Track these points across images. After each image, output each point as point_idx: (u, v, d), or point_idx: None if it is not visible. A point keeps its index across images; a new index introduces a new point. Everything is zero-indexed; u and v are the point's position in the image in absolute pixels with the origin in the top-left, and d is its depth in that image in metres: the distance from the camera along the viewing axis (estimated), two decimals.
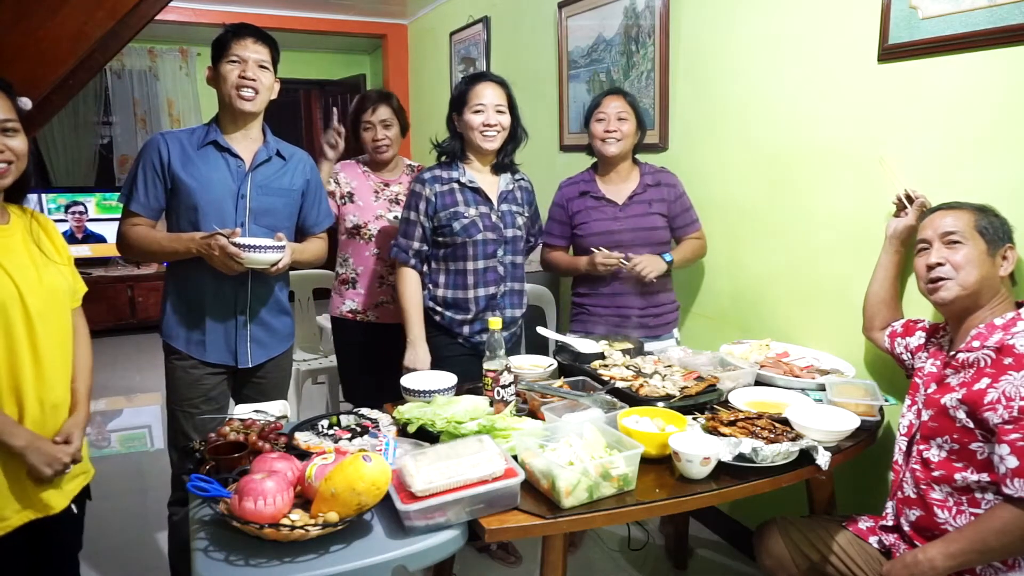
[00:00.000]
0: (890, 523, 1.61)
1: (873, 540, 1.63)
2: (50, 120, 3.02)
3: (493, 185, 2.20)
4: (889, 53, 1.90)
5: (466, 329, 2.19)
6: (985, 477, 1.40)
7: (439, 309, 2.19)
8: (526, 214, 2.28)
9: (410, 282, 2.17)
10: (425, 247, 2.17)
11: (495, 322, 1.71)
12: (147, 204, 1.94)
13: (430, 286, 2.21)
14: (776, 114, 2.29)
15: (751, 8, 2.35)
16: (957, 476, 1.44)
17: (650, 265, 2.26)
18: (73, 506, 1.59)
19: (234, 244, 1.83)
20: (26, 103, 1.51)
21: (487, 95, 2.10)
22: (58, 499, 1.54)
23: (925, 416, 1.52)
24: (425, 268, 2.23)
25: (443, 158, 2.21)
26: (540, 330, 2.26)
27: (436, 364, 1.95)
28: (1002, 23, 1.64)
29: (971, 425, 1.41)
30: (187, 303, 2.00)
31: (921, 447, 1.52)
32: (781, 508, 2.08)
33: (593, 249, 2.33)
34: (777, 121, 2.29)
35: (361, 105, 2.61)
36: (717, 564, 2.52)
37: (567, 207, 2.44)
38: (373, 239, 2.58)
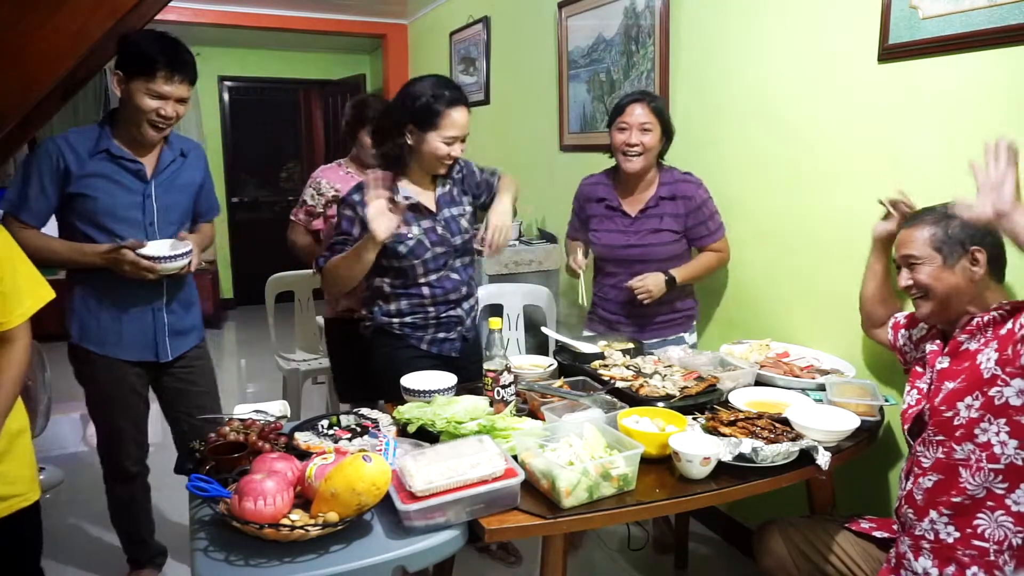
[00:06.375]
0: (902, 496, 1.58)
1: (877, 534, 1.62)
2: (50, 120, 3.02)
3: (431, 196, 2.06)
4: (889, 53, 1.90)
5: (426, 340, 2.09)
6: (1002, 423, 1.38)
7: (395, 322, 2.07)
8: (468, 207, 2.13)
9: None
10: None
11: (495, 322, 1.70)
12: (38, 214, 1.90)
13: (380, 302, 2.08)
14: (776, 114, 2.29)
15: (751, 8, 2.35)
16: (977, 430, 1.41)
17: (650, 287, 2.22)
18: None
19: (143, 256, 1.85)
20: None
21: (461, 125, 1.95)
22: None
23: (951, 386, 1.48)
24: (375, 285, 2.09)
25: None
26: (542, 329, 2.26)
27: (401, 372, 1.91)
28: (1002, 23, 1.64)
29: (998, 371, 1.38)
30: (100, 304, 1.98)
31: (946, 414, 1.48)
32: (781, 508, 2.08)
33: (578, 249, 2.33)
34: (777, 121, 2.29)
35: (362, 113, 2.63)
36: (717, 564, 2.52)
37: (584, 208, 2.43)
38: None
